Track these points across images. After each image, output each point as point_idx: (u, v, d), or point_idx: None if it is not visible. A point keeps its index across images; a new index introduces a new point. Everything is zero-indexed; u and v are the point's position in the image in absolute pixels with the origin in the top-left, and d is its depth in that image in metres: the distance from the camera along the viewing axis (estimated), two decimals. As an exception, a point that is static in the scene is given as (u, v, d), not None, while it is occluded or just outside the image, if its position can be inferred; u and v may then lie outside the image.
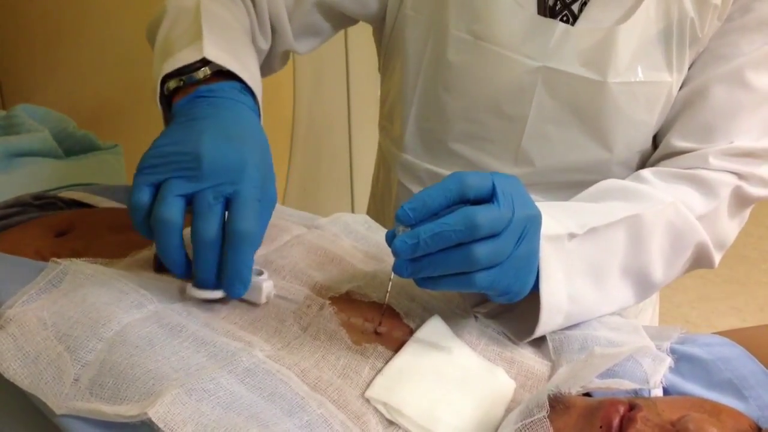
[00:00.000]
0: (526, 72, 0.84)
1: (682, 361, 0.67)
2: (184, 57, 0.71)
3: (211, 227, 0.59)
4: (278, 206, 0.86)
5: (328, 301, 0.66)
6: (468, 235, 0.57)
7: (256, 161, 0.63)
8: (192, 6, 0.78)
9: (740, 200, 0.83)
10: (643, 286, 0.76)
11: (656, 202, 0.76)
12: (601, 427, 0.52)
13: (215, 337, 0.59)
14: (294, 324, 0.64)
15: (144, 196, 0.61)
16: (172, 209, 0.60)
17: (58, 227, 0.79)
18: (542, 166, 0.89)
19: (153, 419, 0.50)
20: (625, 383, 0.62)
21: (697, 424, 0.51)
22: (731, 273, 2.72)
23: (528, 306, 0.68)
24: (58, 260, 0.66)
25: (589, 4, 0.82)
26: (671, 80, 0.83)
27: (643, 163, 0.90)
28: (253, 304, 0.65)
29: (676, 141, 0.85)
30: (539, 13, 0.83)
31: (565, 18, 0.83)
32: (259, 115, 0.72)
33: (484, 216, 0.57)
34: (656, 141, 0.89)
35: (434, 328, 0.65)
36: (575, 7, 0.83)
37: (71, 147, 1.12)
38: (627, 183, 0.81)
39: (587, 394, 0.61)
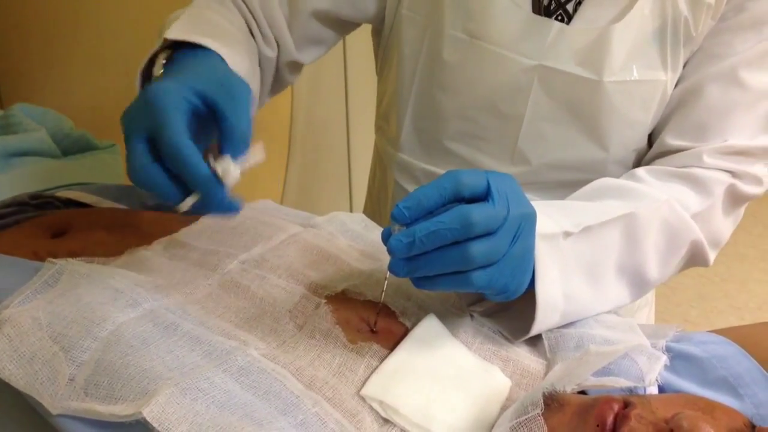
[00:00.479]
0: (522, 70, 0.84)
1: (677, 359, 0.67)
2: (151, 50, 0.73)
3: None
4: (274, 205, 0.87)
5: (323, 300, 0.66)
6: (463, 234, 0.57)
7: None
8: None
9: (734, 198, 0.83)
10: (638, 284, 0.77)
11: (651, 200, 0.77)
12: (597, 426, 0.52)
13: (210, 336, 0.59)
14: (289, 322, 0.64)
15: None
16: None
17: (55, 228, 0.79)
18: (538, 165, 0.89)
19: (147, 418, 0.50)
20: (621, 381, 0.62)
21: (691, 422, 0.51)
22: (730, 272, 2.72)
23: (524, 305, 0.68)
24: (54, 260, 0.66)
25: (583, 3, 0.82)
26: (666, 79, 0.84)
27: (639, 161, 0.90)
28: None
29: (671, 139, 0.85)
30: (534, 12, 0.83)
31: (560, 17, 0.83)
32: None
33: (479, 214, 0.57)
34: (651, 140, 0.89)
35: (430, 326, 0.66)
36: (570, 7, 0.83)
37: (68, 146, 1.12)
38: (622, 181, 0.81)
39: (582, 392, 0.62)
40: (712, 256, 0.83)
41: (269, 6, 0.88)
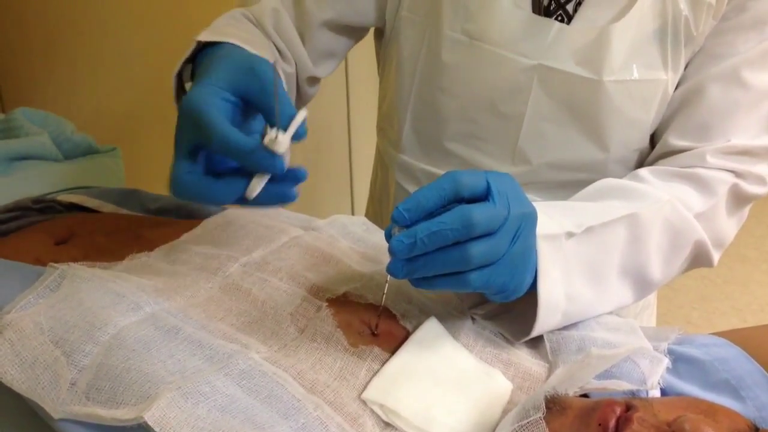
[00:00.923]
0: (521, 70, 0.84)
1: (679, 361, 0.67)
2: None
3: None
4: (275, 209, 0.87)
5: (325, 303, 0.66)
6: (465, 234, 0.57)
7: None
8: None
9: (738, 198, 0.83)
10: (641, 284, 0.76)
11: (654, 200, 0.77)
12: (599, 424, 0.52)
13: (211, 340, 0.59)
14: (291, 326, 0.64)
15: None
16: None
17: (58, 234, 0.79)
18: (539, 165, 0.89)
19: (149, 423, 0.50)
20: (623, 384, 0.62)
21: (693, 425, 0.50)
22: (732, 273, 2.71)
23: (525, 306, 0.68)
24: (56, 264, 0.66)
25: (583, 4, 0.82)
26: (666, 78, 0.84)
27: (641, 161, 0.90)
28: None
29: (674, 140, 0.85)
30: (534, 12, 0.83)
31: (559, 18, 0.83)
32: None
33: (480, 214, 0.57)
34: (653, 140, 0.89)
35: (431, 329, 0.65)
36: (570, 7, 0.83)
37: (70, 150, 1.12)
38: (624, 182, 0.81)
39: (584, 395, 0.61)
40: (716, 256, 0.83)
41: (282, 25, 0.91)
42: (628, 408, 0.53)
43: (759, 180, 0.83)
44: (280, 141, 0.59)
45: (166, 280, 0.68)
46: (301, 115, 0.61)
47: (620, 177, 0.84)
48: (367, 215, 1.15)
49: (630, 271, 0.75)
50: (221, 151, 0.60)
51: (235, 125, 0.61)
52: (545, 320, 0.67)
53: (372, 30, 1.01)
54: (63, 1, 1.60)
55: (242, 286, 0.68)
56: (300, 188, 0.65)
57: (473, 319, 0.71)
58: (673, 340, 0.70)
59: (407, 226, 0.58)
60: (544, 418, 0.53)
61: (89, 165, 1.11)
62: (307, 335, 0.63)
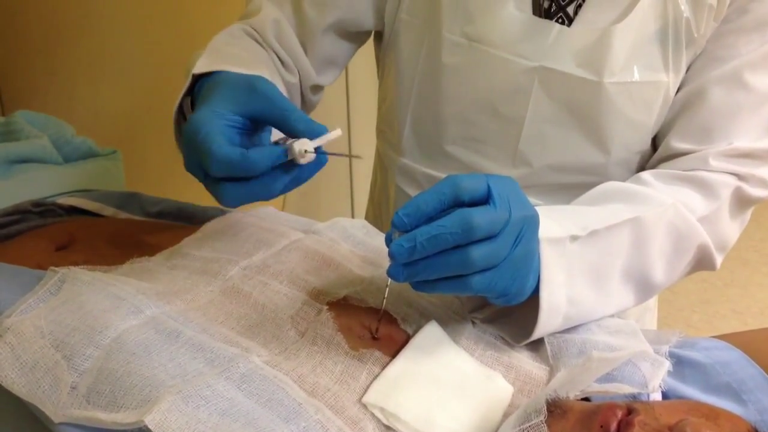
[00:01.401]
0: (522, 72, 0.84)
1: (680, 365, 0.67)
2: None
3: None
4: (276, 211, 0.87)
5: (325, 307, 0.66)
6: (465, 238, 0.57)
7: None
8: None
9: (741, 201, 0.83)
10: (643, 288, 0.76)
11: (657, 204, 0.76)
12: (601, 427, 0.52)
13: (212, 343, 0.59)
14: (291, 329, 0.64)
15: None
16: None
17: (59, 241, 0.79)
18: (540, 167, 0.89)
19: (150, 426, 0.50)
20: (624, 387, 0.62)
21: (694, 428, 0.50)
22: (732, 276, 2.71)
23: (526, 309, 0.68)
24: (56, 268, 0.66)
25: (584, 6, 0.82)
26: (668, 80, 0.84)
27: (643, 164, 0.90)
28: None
29: (676, 143, 0.85)
30: (534, 14, 0.83)
31: (560, 20, 0.83)
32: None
33: (480, 218, 0.57)
34: (656, 143, 0.89)
35: (431, 333, 0.65)
36: (570, 10, 0.83)
37: (70, 153, 1.12)
38: (627, 185, 0.81)
39: (586, 399, 0.61)
40: (719, 259, 0.83)
41: (284, 36, 0.91)
42: (630, 411, 0.53)
43: (761, 183, 0.83)
44: (308, 150, 0.62)
45: (167, 283, 0.68)
46: (335, 134, 0.63)
47: (621, 179, 0.84)
48: (366, 218, 1.15)
49: (633, 274, 0.74)
50: (225, 169, 0.62)
51: (242, 145, 0.63)
52: (546, 324, 0.67)
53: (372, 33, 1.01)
54: (63, 4, 1.60)
55: (243, 290, 0.68)
56: (300, 189, 0.66)
57: (473, 322, 0.71)
58: (675, 343, 0.70)
59: (407, 231, 0.58)
60: (545, 421, 0.52)
61: (89, 168, 1.11)
62: (307, 339, 0.63)
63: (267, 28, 0.90)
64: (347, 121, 1.87)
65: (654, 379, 0.64)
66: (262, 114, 0.65)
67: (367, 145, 1.49)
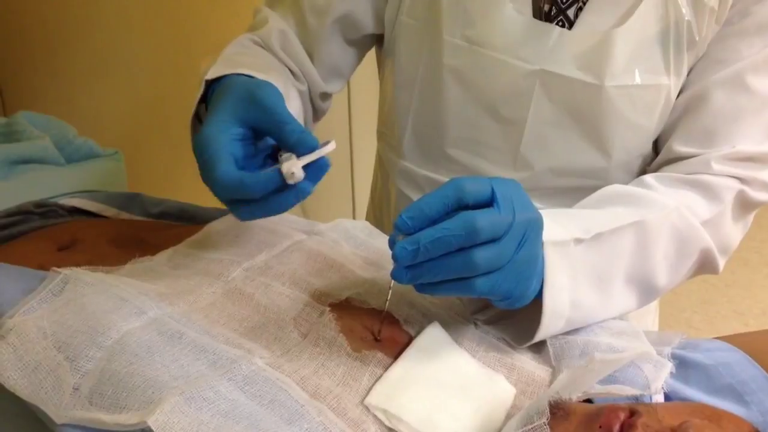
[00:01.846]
0: (523, 75, 0.84)
1: (683, 366, 0.67)
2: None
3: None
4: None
5: (327, 308, 0.66)
6: (468, 240, 0.57)
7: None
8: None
9: (743, 205, 0.83)
10: (646, 291, 0.76)
11: (661, 207, 0.76)
12: (603, 429, 0.52)
13: (215, 345, 0.59)
14: (294, 331, 0.64)
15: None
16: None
17: (61, 241, 0.79)
18: (541, 170, 0.89)
19: (153, 428, 0.50)
20: (626, 389, 0.62)
21: (697, 430, 0.51)
22: (734, 277, 2.71)
23: (528, 311, 0.68)
24: (59, 269, 0.66)
25: (584, 9, 0.82)
26: (669, 84, 0.83)
27: (644, 167, 0.90)
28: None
29: (678, 146, 0.85)
30: (535, 18, 0.83)
31: (560, 23, 0.83)
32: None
33: (484, 220, 0.57)
34: (658, 147, 0.89)
35: (433, 335, 0.65)
36: (571, 13, 0.83)
37: (72, 154, 1.12)
38: (631, 188, 0.81)
39: (588, 400, 0.61)
40: (721, 263, 0.83)
41: (290, 46, 0.91)
42: (632, 413, 0.53)
43: (764, 186, 0.83)
44: (295, 173, 0.61)
45: (169, 284, 0.68)
46: (328, 148, 0.63)
47: (623, 183, 0.83)
48: (367, 220, 1.15)
49: (636, 278, 0.74)
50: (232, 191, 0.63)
51: (248, 157, 0.65)
52: (549, 326, 0.67)
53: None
54: (65, 5, 1.60)
55: (245, 291, 0.68)
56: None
57: (476, 324, 0.71)
58: (677, 345, 0.70)
59: (411, 234, 0.58)
60: (548, 423, 0.52)
61: (91, 169, 1.11)
62: (309, 340, 0.63)
63: (273, 39, 0.91)
64: (348, 123, 1.87)
65: (656, 381, 0.64)
66: (259, 125, 0.66)
67: (367, 148, 1.49)
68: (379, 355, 0.62)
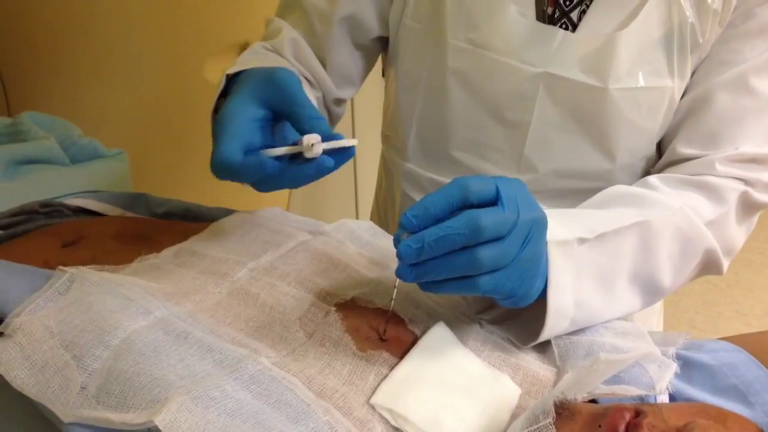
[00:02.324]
0: (527, 78, 0.84)
1: (687, 367, 0.67)
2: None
3: None
4: (283, 212, 0.87)
5: (333, 308, 0.66)
6: (472, 239, 0.57)
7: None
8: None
9: (747, 206, 0.83)
10: (650, 292, 0.76)
11: (665, 208, 0.76)
12: (608, 429, 0.52)
13: (221, 344, 0.60)
14: (299, 330, 0.64)
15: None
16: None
17: (66, 237, 0.79)
18: (545, 173, 0.89)
19: (160, 427, 0.50)
20: (631, 389, 0.62)
21: (702, 431, 0.51)
22: (737, 278, 2.71)
23: (533, 311, 0.68)
24: (65, 268, 0.67)
25: (588, 12, 0.82)
26: (673, 86, 0.83)
27: (648, 169, 0.90)
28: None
29: (682, 148, 0.85)
30: (538, 20, 0.83)
31: (564, 26, 0.83)
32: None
33: (488, 219, 0.57)
34: (661, 148, 0.89)
35: (439, 334, 0.66)
36: (574, 15, 0.83)
37: (77, 154, 1.13)
38: (635, 189, 0.81)
39: (593, 401, 0.61)
40: (725, 264, 0.83)
41: (302, 54, 0.92)
42: (638, 413, 0.53)
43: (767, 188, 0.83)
44: (315, 145, 0.63)
45: (175, 284, 0.68)
46: (350, 142, 0.66)
47: (627, 185, 0.84)
48: (371, 221, 1.15)
49: (640, 278, 0.74)
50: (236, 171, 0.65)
51: (266, 137, 0.67)
52: (553, 326, 0.67)
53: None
54: (69, 6, 1.60)
55: (250, 291, 0.68)
56: (305, 194, 0.66)
57: (481, 324, 0.71)
58: (681, 345, 0.70)
59: (415, 232, 0.58)
60: (553, 423, 0.53)
61: (96, 169, 1.12)
62: (315, 340, 0.63)
63: (285, 48, 0.92)
64: (352, 126, 1.87)
65: (661, 381, 0.64)
66: (277, 105, 0.67)
67: (370, 151, 1.49)
68: (385, 354, 0.63)
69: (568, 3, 0.83)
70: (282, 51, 0.92)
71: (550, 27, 0.83)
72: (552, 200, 0.89)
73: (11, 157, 1.05)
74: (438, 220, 0.58)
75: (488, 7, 0.84)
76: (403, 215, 0.58)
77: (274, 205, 0.90)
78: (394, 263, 0.60)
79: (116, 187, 1.08)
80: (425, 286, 0.61)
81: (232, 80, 0.77)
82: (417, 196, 0.98)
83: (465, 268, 0.58)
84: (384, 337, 0.65)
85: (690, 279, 0.82)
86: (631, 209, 0.76)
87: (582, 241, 0.69)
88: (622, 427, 0.52)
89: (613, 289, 0.72)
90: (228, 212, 0.87)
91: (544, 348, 0.70)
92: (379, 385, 0.60)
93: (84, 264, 0.69)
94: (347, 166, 1.89)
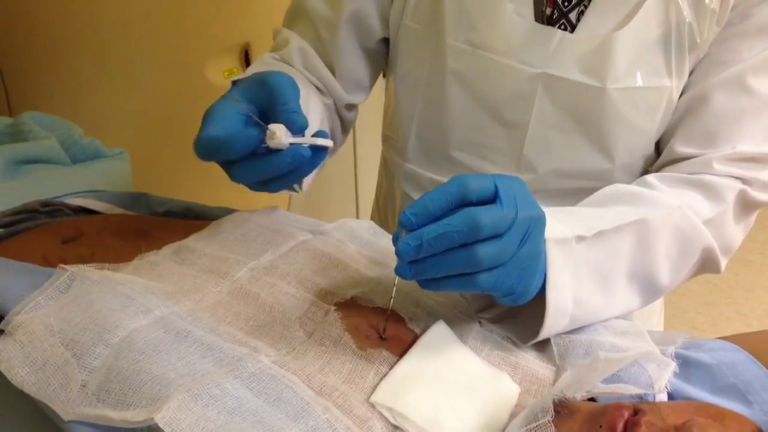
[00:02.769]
0: (525, 78, 0.84)
1: (686, 366, 0.67)
2: None
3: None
4: (283, 212, 0.87)
5: (333, 307, 0.66)
6: (471, 236, 0.57)
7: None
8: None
9: (745, 205, 0.83)
10: (649, 290, 0.77)
11: (663, 206, 0.77)
12: (607, 427, 0.52)
13: (221, 343, 0.60)
14: (299, 329, 0.64)
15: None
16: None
17: (65, 234, 0.79)
18: (544, 173, 0.89)
19: (159, 424, 0.50)
20: (630, 388, 0.62)
21: (701, 429, 0.51)
22: (737, 278, 2.71)
23: (532, 309, 0.68)
24: (66, 266, 0.67)
25: (586, 12, 0.83)
26: (671, 85, 0.84)
27: (647, 168, 0.90)
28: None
29: (680, 147, 0.85)
30: (537, 21, 0.84)
31: (562, 26, 0.84)
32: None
33: (486, 216, 0.57)
34: (659, 148, 0.89)
35: (439, 333, 0.66)
36: (573, 16, 0.83)
37: (78, 154, 1.13)
38: (633, 188, 0.81)
39: (592, 399, 0.62)
40: (723, 262, 0.83)
41: (311, 62, 0.93)
42: (636, 412, 0.53)
43: (766, 187, 0.83)
44: (277, 132, 0.63)
45: (176, 282, 0.68)
46: (321, 141, 0.66)
47: (626, 184, 0.84)
48: (372, 221, 1.15)
49: (638, 276, 0.75)
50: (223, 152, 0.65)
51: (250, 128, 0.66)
52: (552, 324, 0.67)
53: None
54: (70, 5, 1.60)
55: (251, 291, 0.68)
56: (305, 194, 0.67)
57: (480, 322, 0.71)
58: (681, 345, 0.70)
59: (414, 230, 0.58)
60: (552, 421, 0.53)
61: (97, 169, 1.12)
62: (315, 339, 0.63)
63: (294, 58, 0.93)
64: (353, 127, 1.87)
65: (660, 380, 0.64)
66: (262, 104, 0.67)
67: (371, 151, 1.49)
68: (385, 353, 0.63)
69: (566, 4, 0.83)
70: (291, 61, 0.93)
71: (549, 28, 0.83)
72: (551, 200, 0.89)
73: (12, 157, 1.05)
74: (437, 217, 0.58)
75: (487, 8, 0.84)
76: (402, 213, 0.59)
77: (274, 205, 0.90)
78: (394, 262, 0.60)
79: (117, 187, 1.08)
80: (424, 284, 0.61)
81: None
82: (417, 196, 0.97)
83: (464, 266, 0.59)
84: (384, 336, 0.65)
85: (688, 277, 0.82)
86: (629, 208, 0.76)
87: (580, 239, 0.69)
88: (620, 425, 0.52)
89: (611, 287, 0.72)
90: (229, 212, 0.87)
91: (543, 347, 0.70)
92: (378, 383, 0.60)
93: (83, 260, 0.70)
94: (348, 167, 1.90)
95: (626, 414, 0.53)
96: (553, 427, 0.53)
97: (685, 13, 0.81)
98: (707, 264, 0.82)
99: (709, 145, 0.83)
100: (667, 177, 0.83)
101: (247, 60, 1.64)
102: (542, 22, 0.84)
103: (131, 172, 1.16)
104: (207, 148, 0.65)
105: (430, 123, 0.94)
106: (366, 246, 0.81)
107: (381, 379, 0.60)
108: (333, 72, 0.95)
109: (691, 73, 0.85)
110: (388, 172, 1.07)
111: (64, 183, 1.03)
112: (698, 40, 0.82)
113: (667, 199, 0.78)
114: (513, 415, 0.61)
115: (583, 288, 0.69)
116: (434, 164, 0.96)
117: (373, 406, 0.58)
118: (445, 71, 0.88)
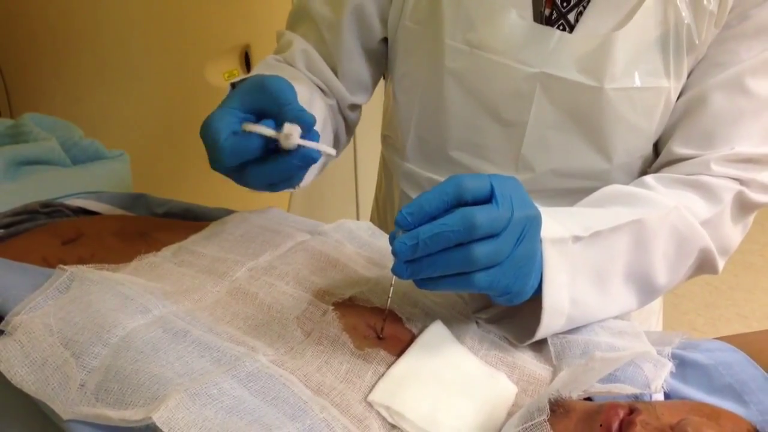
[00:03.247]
0: (523, 78, 0.85)
1: (683, 366, 0.67)
2: None
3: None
4: (282, 213, 0.87)
5: (331, 307, 0.67)
6: (467, 236, 0.58)
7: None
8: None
9: (743, 206, 0.84)
10: (646, 290, 0.77)
11: (660, 206, 0.77)
12: (602, 426, 0.52)
13: (219, 342, 0.60)
14: (297, 329, 0.65)
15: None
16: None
17: (65, 234, 0.80)
18: (542, 173, 0.90)
19: (157, 423, 0.50)
20: (626, 388, 0.62)
21: (695, 428, 0.51)
22: (737, 280, 2.71)
23: (529, 309, 0.68)
24: (65, 267, 0.67)
25: (585, 13, 0.83)
26: (669, 86, 0.84)
27: (645, 169, 0.91)
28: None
29: (678, 148, 0.85)
30: (535, 22, 0.84)
31: (561, 27, 0.84)
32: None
33: (482, 216, 0.58)
34: (657, 148, 0.90)
35: (436, 332, 0.66)
36: (572, 17, 0.84)
37: (78, 155, 1.13)
38: (630, 188, 0.81)
39: (588, 399, 0.62)
40: (721, 263, 0.83)
41: (314, 64, 0.94)
42: (632, 411, 0.54)
43: (763, 188, 0.83)
44: (293, 134, 0.64)
45: (175, 282, 0.69)
46: (328, 149, 0.67)
47: (624, 184, 0.84)
48: (371, 221, 1.16)
49: (635, 276, 0.75)
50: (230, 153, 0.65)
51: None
52: (549, 324, 0.68)
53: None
54: (71, 7, 1.61)
55: (249, 291, 0.69)
56: (305, 194, 0.67)
57: (478, 322, 0.72)
58: (677, 345, 0.70)
59: (410, 230, 0.59)
60: (548, 420, 0.53)
61: (97, 170, 1.12)
62: (313, 338, 0.64)
63: (297, 60, 0.93)
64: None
65: (656, 380, 0.64)
66: (263, 109, 0.67)
67: (370, 152, 1.49)
68: (382, 352, 0.63)
69: (565, 4, 0.83)
70: (294, 62, 0.93)
71: (547, 28, 0.84)
72: (549, 200, 0.89)
73: (13, 158, 1.05)
74: (433, 217, 0.58)
75: (485, 8, 0.84)
76: (398, 213, 0.59)
77: (274, 205, 0.91)
78: (392, 263, 0.60)
79: (117, 188, 1.08)
80: (421, 284, 0.61)
81: None
82: (416, 196, 0.98)
83: (460, 265, 0.59)
84: (381, 336, 0.65)
85: (686, 278, 0.82)
86: (626, 208, 0.76)
87: (577, 239, 0.69)
88: (616, 424, 0.52)
89: (608, 287, 0.72)
90: (228, 212, 0.87)
91: (540, 347, 0.70)
92: (376, 382, 0.60)
93: (83, 261, 0.70)
94: (348, 167, 1.90)
95: (621, 413, 0.53)
96: (549, 426, 0.53)
97: (683, 14, 0.81)
98: (704, 265, 0.82)
99: (707, 146, 0.83)
100: (664, 178, 0.83)
101: (247, 61, 1.64)
102: (541, 23, 0.84)
103: (131, 173, 1.17)
104: (229, 154, 0.65)
105: (428, 123, 0.94)
106: (364, 246, 0.81)
107: (378, 378, 0.61)
108: (336, 73, 0.95)
109: (689, 75, 0.85)
110: (387, 172, 1.08)
111: (64, 184, 1.03)
112: (696, 42, 0.82)
113: (664, 200, 0.78)
114: (510, 415, 0.61)
115: (579, 288, 0.69)
116: (433, 164, 0.96)
117: (370, 405, 0.58)
118: (444, 71, 0.89)
